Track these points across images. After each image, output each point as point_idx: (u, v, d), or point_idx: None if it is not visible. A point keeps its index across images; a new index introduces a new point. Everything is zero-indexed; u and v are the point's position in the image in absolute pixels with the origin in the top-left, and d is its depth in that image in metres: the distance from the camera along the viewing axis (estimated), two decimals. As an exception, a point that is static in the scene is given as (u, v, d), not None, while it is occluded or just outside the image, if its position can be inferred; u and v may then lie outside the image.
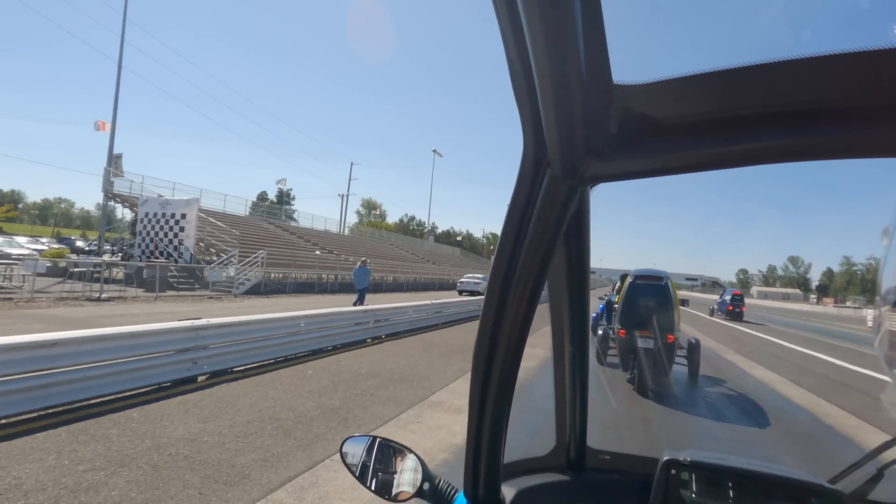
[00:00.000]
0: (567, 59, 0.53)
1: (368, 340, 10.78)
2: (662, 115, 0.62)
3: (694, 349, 8.65)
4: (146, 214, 25.50)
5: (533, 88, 0.60)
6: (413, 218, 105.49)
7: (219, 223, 27.57)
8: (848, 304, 78.64)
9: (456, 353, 10.04)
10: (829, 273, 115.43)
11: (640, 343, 7.60)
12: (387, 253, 47.11)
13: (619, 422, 6.10)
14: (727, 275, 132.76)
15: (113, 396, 5.42)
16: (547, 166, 0.70)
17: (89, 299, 15.79)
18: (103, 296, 16.50)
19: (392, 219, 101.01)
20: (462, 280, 35.36)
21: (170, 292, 19.80)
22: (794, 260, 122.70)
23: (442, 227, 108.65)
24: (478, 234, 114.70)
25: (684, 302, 9.36)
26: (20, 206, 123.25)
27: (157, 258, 22.72)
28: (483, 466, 0.91)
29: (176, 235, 24.66)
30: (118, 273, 22.22)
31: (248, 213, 39.92)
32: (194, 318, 6.70)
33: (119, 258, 25.62)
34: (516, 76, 0.62)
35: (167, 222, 24.89)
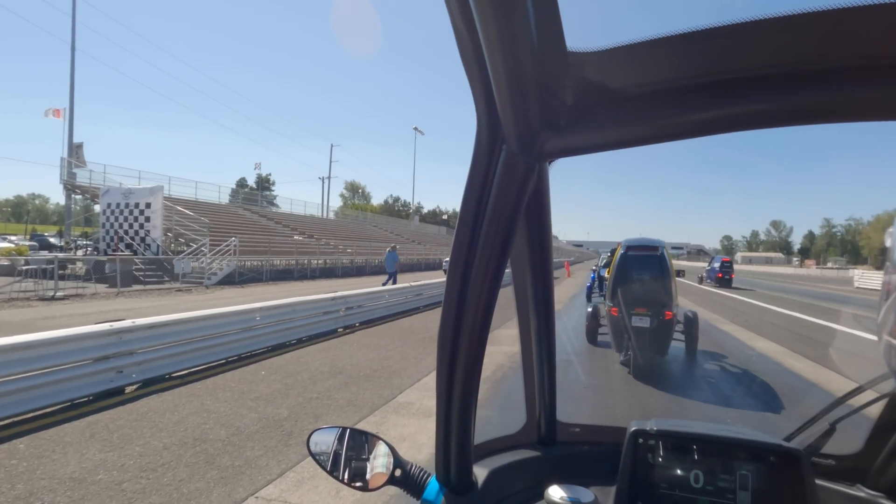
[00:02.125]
0: (517, 26, 0.50)
1: (340, 330, 9.87)
2: (622, 84, 0.59)
3: (692, 323, 7.89)
4: (108, 205, 24.03)
5: (482, 58, 0.56)
6: (398, 199, 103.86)
7: (187, 211, 26.13)
8: (829, 265, 79.85)
9: (434, 339, 9.06)
10: (810, 235, 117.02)
11: (635, 322, 6.74)
12: (370, 235, 45.97)
13: (615, 403, 5.33)
14: (711, 241, 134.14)
15: (8, 421, 4.45)
16: (502, 142, 0.67)
17: (42, 299, 14.61)
18: (59, 294, 15.31)
19: (377, 200, 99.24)
20: (447, 259, 34.43)
21: (136, 287, 18.63)
22: (776, 224, 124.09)
23: (428, 207, 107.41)
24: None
25: (680, 272, 8.65)
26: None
27: (119, 251, 21.39)
28: (454, 449, 0.90)
29: (142, 226, 23.30)
30: (81, 269, 20.93)
31: (227, 201, 38.37)
32: (115, 320, 5.70)
33: (90, 253, 24.22)
34: (464, 45, 0.58)
35: (131, 213, 23.48)
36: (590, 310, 8.95)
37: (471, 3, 0.49)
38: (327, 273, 29.61)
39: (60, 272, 16.90)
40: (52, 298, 14.71)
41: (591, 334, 8.71)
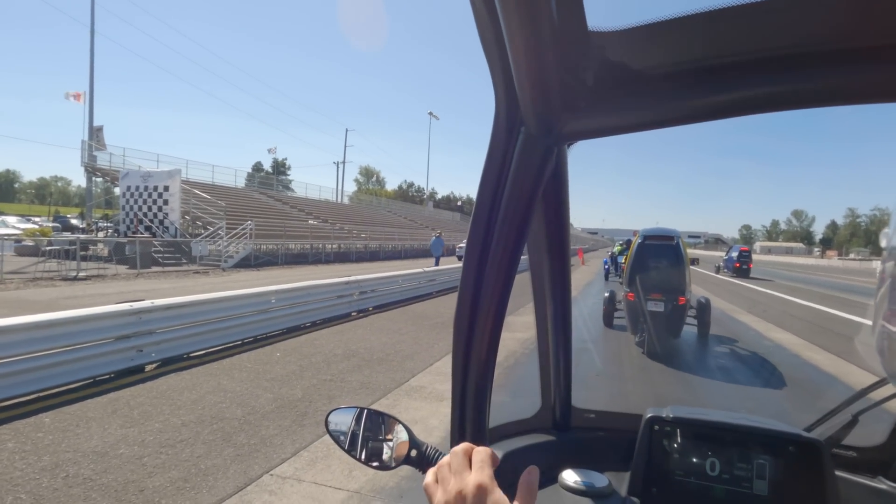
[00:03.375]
0: (536, 4, 0.49)
1: (353, 314, 9.97)
2: (644, 64, 0.57)
3: (704, 309, 8.19)
4: (128, 188, 24.43)
5: (501, 39, 0.55)
6: (412, 184, 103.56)
7: (204, 194, 26.45)
8: (851, 256, 77.67)
9: (447, 325, 9.22)
10: (832, 226, 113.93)
11: (650, 306, 7.15)
12: (384, 220, 46.09)
13: (626, 388, 5.32)
14: (730, 231, 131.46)
15: (33, 396, 4.61)
16: (521, 125, 0.66)
17: (65, 279, 15.01)
18: (81, 274, 15.71)
19: (391, 186, 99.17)
20: (460, 245, 34.51)
21: (155, 268, 19.01)
22: (797, 214, 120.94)
23: (442, 193, 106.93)
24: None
25: (694, 261, 8.94)
26: (16, 185, 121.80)
27: (139, 233, 21.80)
28: (469, 430, 0.88)
29: (160, 209, 23.66)
30: (102, 250, 21.42)
31: (243, 185, 38.75)
32: (135, 300, 5.83)
33: (111, 234, 24.74)
34: (483, 24, 0.57)
35: (150, 195, 23.83)
36: (606, 295, 9.33)
37: None
38: (341, 257, 29.85)
39: (82, 253, 17.30)
40: (75, 279, 15.10)
41: (608, 317, 9.15)
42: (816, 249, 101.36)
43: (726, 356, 7.63)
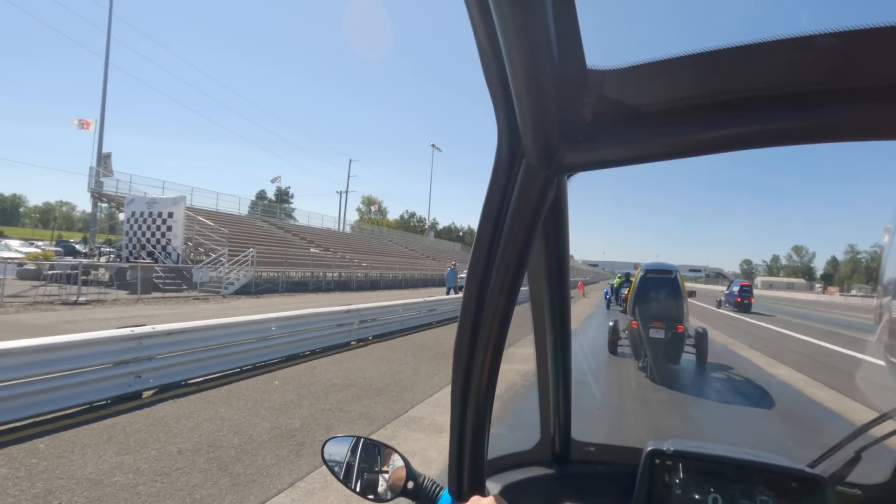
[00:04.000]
0: (538, 44, 0.51)
1: (353, 343, 9.92)
2: (640, 101, 0.60)
3: (702, 338, 8.80)
4: (132, 214, 24.70)
5: (504, 74, 0.57)
6: (413, 214, 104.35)
7: (207, 221, 26.70)
8: (853, 292, 77.33)
9: (447, 355, 9.16)
10: (833, 262, 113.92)
11: (652, 333, 7.83)
12: (385, 250, 46.26)
13: (627, 420, 5.25)
14: (731, 265, 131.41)
15: (29, 421, 4.57)
16: (522, 156, 0.68)
17: (65, 303, 15.00)
18: (81, 299, 15.70)
19: (393, 216, 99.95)
20: (461, 276, 34.53)
21: (155, 294, 19.00)
22: (798, 249, 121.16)
23: (443, 223, 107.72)
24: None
25: (692, 293, 9.62)
26: (21, 210, 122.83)
27: (142, 258, 21.89)
28: (467, 462, 0.88)
29: (164, 235, 23.85)
30: (104, 275, 21.46)
31: (246, 212, 39.13)
32: (135, 326, 5.84)
33: (113, 260, 24.84)
34: (487, 62, 0.60)
35: (154, 222, 24.08)
36: (611, 324, 10.01)
37: (495, 24, 0.51)
38: (342, 286, 29.83)
39: (83, 278, 17.35)
40: (75, 303, 15.09)
41: (612, 345, 9.75)
42: (818, 285, 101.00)
43: (728, 391, 7.57)
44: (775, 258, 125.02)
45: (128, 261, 22.34)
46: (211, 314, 14.05)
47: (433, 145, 68.34)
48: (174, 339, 6.12)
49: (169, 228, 23.83)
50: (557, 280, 0.97)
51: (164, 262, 22.61)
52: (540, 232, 0.81)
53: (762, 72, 0.53)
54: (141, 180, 30.09)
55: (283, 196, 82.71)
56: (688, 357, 8.72)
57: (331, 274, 30.23)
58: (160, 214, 23.98)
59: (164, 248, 23.67)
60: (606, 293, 23.21)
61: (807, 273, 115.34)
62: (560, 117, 0.60)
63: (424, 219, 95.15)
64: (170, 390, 5.86)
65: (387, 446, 1.01)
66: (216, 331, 6.80)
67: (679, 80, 0.57)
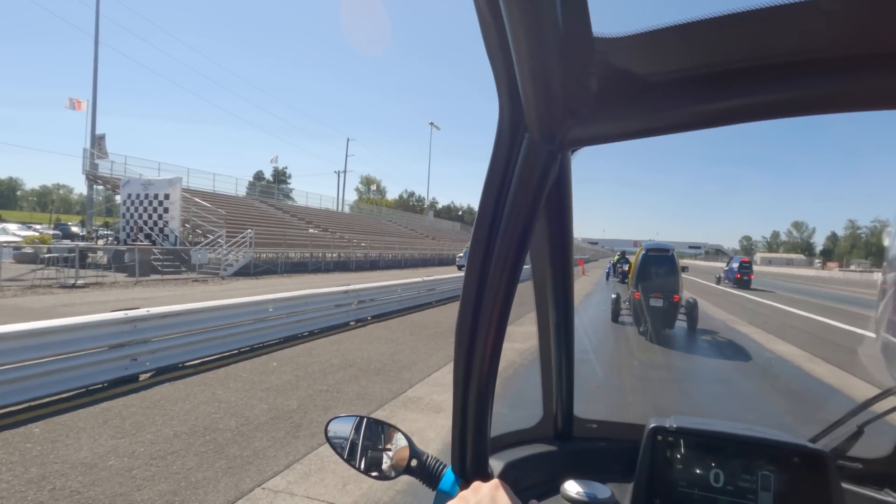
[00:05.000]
0: (542, 9, 0.49)
1: (352, 323, 9.90)
2: (649, 71, 0.57)
3: (692, 307, 10.21)
4: (129, 196, 24.48)
5: (506, 44, 0.55)
6: (413, 194, 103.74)
7: (204, 203, 26.49)
8: (852, 267, 77.55)
9: (446, 335, 9.15)
10: (833, 237, 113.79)
11: (653, 302, 9.23)
12: (384, 229, 46.13)
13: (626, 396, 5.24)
14: (730, 242, 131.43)
15: (24, 405, 4.54)
16: (524, 131, 0.66)
17: (63, 286, 14.96)
18: (79, 282, 15.66)
19: (392, 195, 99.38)
20: (460, 255, 34.47)
21: (154, 276, 18.97)
22: (797, 225, 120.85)
23: (443, 203, 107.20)
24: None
25: (684, 269, 10.58)
26: (18, 193, 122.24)
27: (139, 241, 21.80)
28: (470, 440, 0.88)
29: (161, 217, 23.68)
30: (102, 258, 21.40)
31: (244, 193, 38.86)
32: (130, 308, 5.78)
33: (111, 242, 24.74)
34: (488, 31, 0.57)
35: (150, 203, 23.87)
36: (613, 296, 11.52)
37: None
38: (341, 266, 29.82)
39: (82, 261, 17.28)
40: (73, 286, 15.05)
41: (615, 314, 11.23)
42: (817, 261, 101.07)
43: (728, 367, 7.57)
44: (775, 234, 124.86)
45: (125, 243, 22.26)
46: (209, 296, 14.03)
47: (431, 123, 67.50)
48: (169, 321, 6.07)
49: (166, 210, 23.64)
50: (560, 258, 0.96)
51: (161, 245, 22.51)
52: (543, 209, 0.80)
53: (776, 38, 0.50)
54: (136, 162, 29.84)
55: (281, 177, 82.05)
56: (681, 325, 10.23)
57: (330, 254, 30.17)
58: (156, 196, 23.75)
59: (161, 230, 23.53)
60: (608, 269, 27.92)
61: (806, 249, 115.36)
62: (564, 89, 0.57)
63: (424, 198, 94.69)
64: (166, 373, 5.83)
65: (390, 425, 1.02)
66: (212, 313, 6.75)
67: (690, 47, 0.54)
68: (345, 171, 59.57)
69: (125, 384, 5.39)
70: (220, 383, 5.56)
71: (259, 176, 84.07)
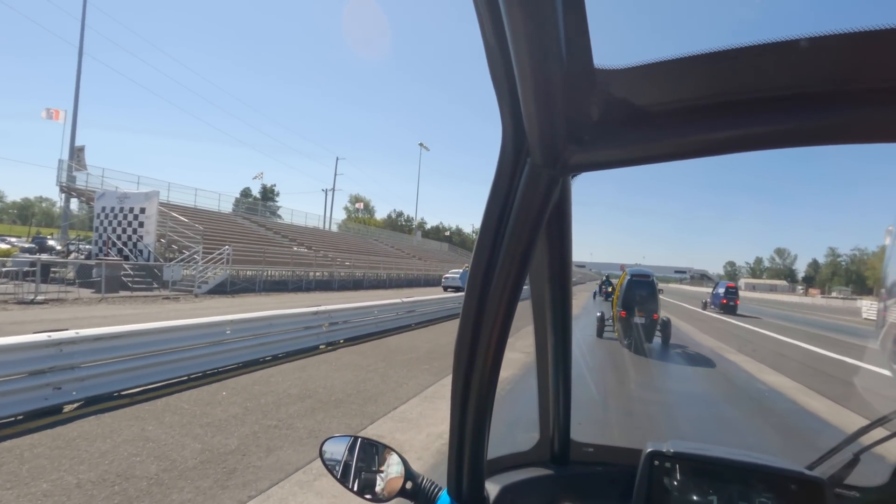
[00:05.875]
0: (546, 43, 0.52)
1: (322, 347, 9.25)
2: (646, 101, 0.61)
3: (666, 325, 11.78)
4: (103, 209, 23.66)
5: (511, 73, 0.58)
6: (401, 214, 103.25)
7: (182, 217, 25.70)
8: (833, 294, 78.75)
9: (421, 360, 8.55)
10: (814, 264, 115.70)
11: (636, 320, 10.99)
12: (371, 249, 45.49)
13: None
14: (715, 267, 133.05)
15: (-89, 444, 3.86)
16: (527, 155, 0.68)
17: (21, 302, 14.07)
18: (39, 298, 14.76)
19: (381, 215, 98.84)
20: (447, 276, 33.87)
21: (123, 293, 18.10)
22: (780, 252, 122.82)
23: (431, 223, 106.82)
24: (467, 229, 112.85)
25: (660, 290, 12.17)
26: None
27: (110, 255, 20.92)
28: (466, 463, 0.89)
29: (135, 231, 22.84)
30: (70, 272, 20.45)
31: (228, 209, 38.11)
32: (55, 330, 5.12)
33: (83, 257, 23.75)
34: (494, 60, 0.60)
35: (125, 217, 23.06)
36: (598, 314, 12.81)
37: (504, 22, 0.50)
38: (324, 286, 29.04)
39: (45, 276, 16.38)
40: (32, 302, 14.17)
41: (600, 331, 12.47)
42: (800, 287, 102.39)
43: (718, 400, 7.10)
44: (758, 260, 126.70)
45: (97, 257, 21.35)
46: (176, 314, 13.26)
47: (421, 144, 67.73)
48: (104, 345, 5.42)
49: (141, 224, 22.83)
50: (560, 281, 0.97)
51: (135, 260, 21.65)
52: (543, 232, 0.79)
53: (768, 73, 0.53)
54: (115, 175, 29.02)
55: (269, 194, 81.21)
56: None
57: (312, 273, 29.41)
58: (132, 210, 22.97)
59: (135, 244, 22.68)
60: (595, 291, 32.40)
61: (789, 275, 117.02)
62: (566, 117, 0.60)
63: (412, 218, 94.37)
64: (97, 403, 5.16)
65: (385, 446, 1.01)
66: (158, 335, 6.10)
67: (685, 80, 0.57)
68: (333, 190, 59.16)
69: (46, 416, 4.72)
70: (155, 417, 4.90)
71: (246, 193, 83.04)
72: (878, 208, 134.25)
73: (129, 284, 19.37)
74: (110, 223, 23.27)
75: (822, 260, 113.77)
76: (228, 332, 7.15)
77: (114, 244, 22.33)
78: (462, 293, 0.81)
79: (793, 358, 11.62)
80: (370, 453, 0.99)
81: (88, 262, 19.78)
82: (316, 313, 9.26)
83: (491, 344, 0.78)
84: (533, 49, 0.51)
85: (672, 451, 1.05)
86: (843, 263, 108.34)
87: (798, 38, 0.48)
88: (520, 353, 8.90)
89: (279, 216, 50.16)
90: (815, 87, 0.52)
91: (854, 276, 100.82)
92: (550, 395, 1.16)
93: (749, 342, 14.23)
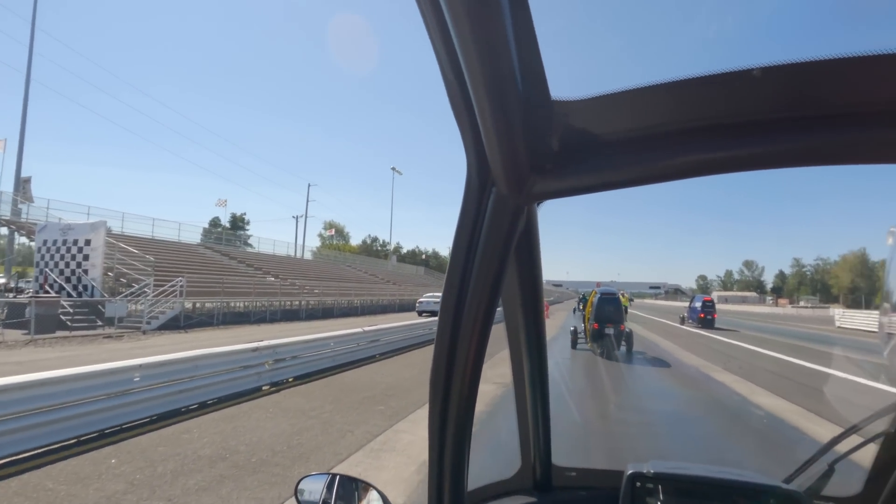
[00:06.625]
0: (502, 78, 0.54)
1: (265, 388, 8.06)
2: (604, 130, 0.62)
3: (629, 335, 13.42)
4: (44, 242, 21.88)
5: (471, 106, 0.59)
6: (376, 239, 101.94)
7: (132, 249, 24.04)
8: (801, 303, 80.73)
9: (377, 400, 7.45)
10: (781, 275, 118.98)
11: (607, 331, 12.95)
12: (343, 275, 44.07)
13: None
14: (687, 281, 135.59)
15: None
16: (492, 185, 0.69)
17: (-72, 349, 12.37)
18: (-49, 342, 13.08)
19: (356, 241, 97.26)
20: (421, 300, 32.66)
21: (60, 333, 16.40)
22: (748, 264, 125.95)
23: (408, 247, 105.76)
24: (444, 252, 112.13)
25: (631, 301, 14.75)
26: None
27: (46, 292, 19.17)
28: (447, 495, 0.88)
29: (79, 265, 21.09)
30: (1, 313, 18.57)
31: (186, 239, 36.35)
32: None
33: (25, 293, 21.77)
34: (454, 95, 0.62)
35: (69, 251, 21.31)
36: (572, 329, 14.81)
37: (459, 55, 0.52)
38: (290, 316, 27.55)
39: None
40: (-60, 348, 12.49)
41: (574, 343, 14.24)
42: (769, 298, 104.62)
43: (704, 414, 6.25)
44: (728, 273, 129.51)
45: (36, 294, 19.51)
46: (109, 356, 11.73)
47: (393, 168, 67.21)
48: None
49: (86, 257, 21.11)
50: (532, 304, 0.98)
51: (79, 296, 19.89)
52: (512, 258, 0.81)
53: (717, 102, 0.56)
54: (64, 206, 27.24)
55: (239, 223, 79.01)
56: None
57: (278, 303, 27.88)
58: (76, 242, 21.26)
59: (79, 279, 20.92)
60: (574, 308, 34.07)
61: (758, 287, 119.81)
62: (528, 147, 0.61)
63: (388, 243, 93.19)
64: (-70, 487, 3.92)
65: (364, 482, 1.01)
66: (36, 389, 4.89)
67: (641, 110, 0.59)
68: (305, 217, 57.80)
69: None
70: (5, 500, 3.70)
71: (216, 223, 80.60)
72: (837, 220, 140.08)
73: (68, 323, 17.63)
74: (52, 257, 21.49)
75: (787, 271, 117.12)
76: (137, 378, 5.94)
77: (47, 279, 20.51)
78: (436, 318, 0.77)
79: (781, 374, 10.92)
80: (349, 490, 0.99)
81: (19, 300, 18.01)
82: (256, 350, 8.08)
83: (467, 371, 0.79)
84: (489, 84, 0.53)
85: (652, 471, 1.07)
86: (809, 273, 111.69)
87: (744, 69, 0.51)
88: (491, 384, 7.92)
89: (250, 245, 48.43)
90: (760, 115, 0.55)
91: (819, 286, 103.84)
92: (530, 421, 1.17)
93: (733, 358, 13.56)
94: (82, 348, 13.62)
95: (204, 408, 6.69)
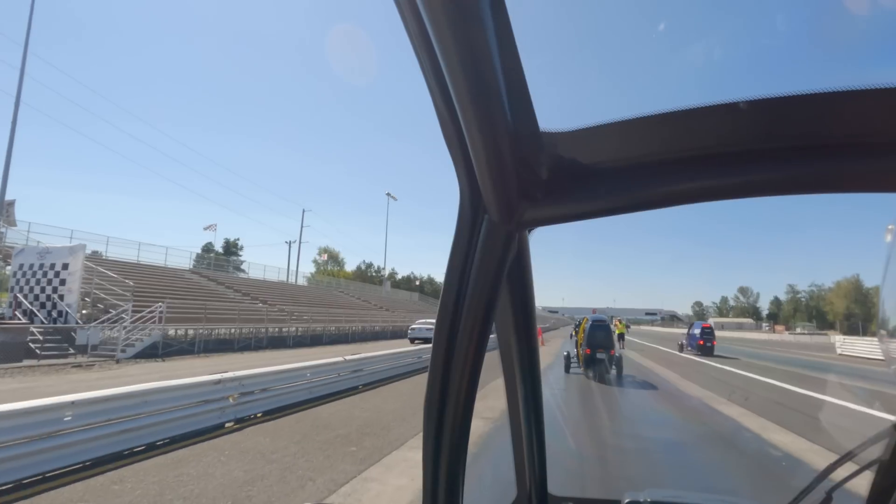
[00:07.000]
0: (492, 110, 0.56)
1: (229, 425, 7.26)
2: (592, 161, 0.63)
3: (619, 359, 14.10)
4: (20, 267, 21.09)
5: (463, 138, 0.61)
6: (371, 265, 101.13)
7: (111, 273, 23.23)
8: (798, 330, 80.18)
9: (350, 439, 6.67)
10: (776, 301, 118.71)
11: (598, 355, 13.72)
12: (335, 301, 43.17)
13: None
14: (683, 307, 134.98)
15: None
16: (484, 212, 0.71)
17: None
18: None
19: (351, 267, 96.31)
20: (413, 326, 31.69)
21: (28, 361, 15.48)
22: (743, 290, 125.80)
23: (402, 273, 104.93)
24: (439, 278, 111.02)
25: (628, 327, 15.66)
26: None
27: (16, 318, 18.27)
28: None
29: (55, 290, 20.24)
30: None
31: (191, 266, 35.59)
32: None
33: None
34: (446, 126, 0.64)
35: (45, 275, 20.50)
36: (565, 354, 15.80)
37: (450, 91, 0.54)
38: (277, 343, 26.60)
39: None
40: None
41: (567, 368, 14.95)
42: (765, 324, 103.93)
43: (706, 445, 5.51)
44: (724, 299, 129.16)
45: (8, 320, 18.59)
46: (72, 388, 10.90)
47: (388, 194, 67.10)
48: None
49: (62, 282, 20.29)
50: (525, 331, 0.98)
51: (45, 322, 18.96)
52: (505, 284, 0.81)
53: (701, 134, 0.58)
54: (46, 230, 26.51)
55: (232, 248, 78.22)
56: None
57: (265, 330, 26.93)
58: (52, 266, 20.49)
59: (54, 305, 20.03)
60: (571, 333, 33.33)
61: (753, 313, 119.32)
62: (518, 176, 0.62)
63: (383, 269, 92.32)
64: None
65: None
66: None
67: (627, 141, 0.61)
68: (299, 242, 57.12)
69: None
70: None
71: (209, 248, 79.71)
72: (827, 247, 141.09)
73: (38, 351, 16.69)
74: (27, 282, 20.67)
75: (782, 297, 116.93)
76: (69, 418, 5.18)
77: (20, 305, 19.61)
78: (429, 345, 0.79)
79: (793, 407, 10.19)
80: None
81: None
82: (219, 382, 7.31)
83: (460, 397, 0.79)
84: (480, 117, 0.55)
85: (650, 500, 1.10)
86: (803, 300, 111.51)
87: (726, 103, 0.53)
88: (480, 419, 7.17)
89: (243, 271, 47.58)
90: (742, 146, 0.56)
91: (815, 312, 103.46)
92: (525, 448, 1.16)
93: (737, 388, 12.80)
94: (44, 379, 12.74)
95: (152, 449, 5.90)
